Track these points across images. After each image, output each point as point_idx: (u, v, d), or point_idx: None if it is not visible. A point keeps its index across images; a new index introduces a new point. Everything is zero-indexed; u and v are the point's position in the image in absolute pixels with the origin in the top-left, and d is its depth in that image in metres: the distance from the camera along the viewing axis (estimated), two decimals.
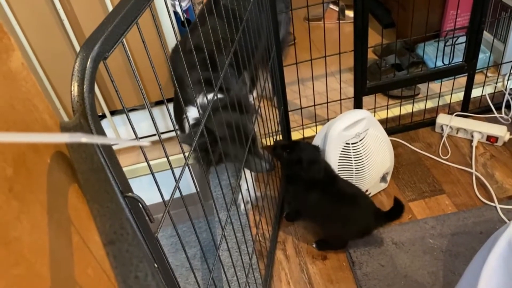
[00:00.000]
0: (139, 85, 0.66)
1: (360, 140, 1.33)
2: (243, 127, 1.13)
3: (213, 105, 0.87)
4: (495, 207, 1.36)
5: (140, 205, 0.55)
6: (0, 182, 0.38)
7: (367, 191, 1.43)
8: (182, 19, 1.65)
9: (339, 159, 1.32)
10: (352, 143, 1.32)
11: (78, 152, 0.42)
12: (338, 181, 1.27)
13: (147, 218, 0.56)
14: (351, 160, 1.33)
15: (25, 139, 0.25)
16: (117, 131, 1.69)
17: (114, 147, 1.74)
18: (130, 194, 0.52)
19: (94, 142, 0.38)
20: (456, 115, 1.67)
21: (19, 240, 0.39)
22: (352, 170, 1.33)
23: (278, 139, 1.52)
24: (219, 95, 1.06)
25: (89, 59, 0.51)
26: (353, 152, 1.33)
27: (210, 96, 1.06)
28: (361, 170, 1.34)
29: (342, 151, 1.31)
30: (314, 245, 1.36)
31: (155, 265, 0.58)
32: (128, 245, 0.32)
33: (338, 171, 1.32)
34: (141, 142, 0.34)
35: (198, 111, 0.84)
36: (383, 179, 1.47)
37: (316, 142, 1.37)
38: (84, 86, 0.50)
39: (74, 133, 0.24)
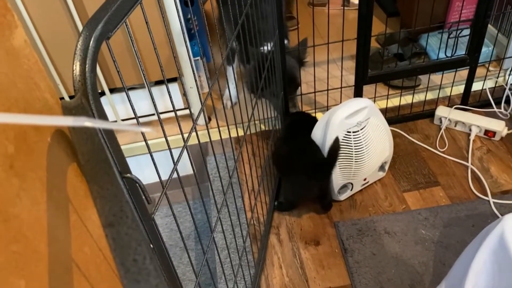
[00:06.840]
0: (140, 66, 0.65)
1: (361, 129, 1.33)
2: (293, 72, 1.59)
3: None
4: (489, 201, 1.37)
5: (138, 187, 0.55)
6: (1, 159, 0.38)
7: (365, 179, 1.43)
8: None
9: (340, 147, 1.32)
10: (353, 132, 1.32)
11: (79, 133, 0.42)
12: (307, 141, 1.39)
13: (144, 199, 0.56)
14: (351, 148, 1.33)
15: (31, 121, 0.25)
16: (115, 109, 1.68)
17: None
18: (128, 175, 0.53)
19: (97, 127, 0.38)
20: (455, 108, 1.67)
21: (18, 217, 0.39)
22: (352, 158, 1.34)
23: (277, 124, 1.52)
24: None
25: (92, 39, 0.51)
26: (354, 141, 1.33)
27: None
28: (360, 158, 1.35)
29: (343, 139, 1.31)
30: (275, 203, 1.45)
31: (151, 245, 0.58)
32: (127, 228, 0.32)
33: (338, 158, 1.32)
34: (144, 128, 0.34)
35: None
36: (382, 168, 1.48)
37: (318, 128, 1.37)
38: (86, 66, 0.50)
39: (77, 117, 0.24)
